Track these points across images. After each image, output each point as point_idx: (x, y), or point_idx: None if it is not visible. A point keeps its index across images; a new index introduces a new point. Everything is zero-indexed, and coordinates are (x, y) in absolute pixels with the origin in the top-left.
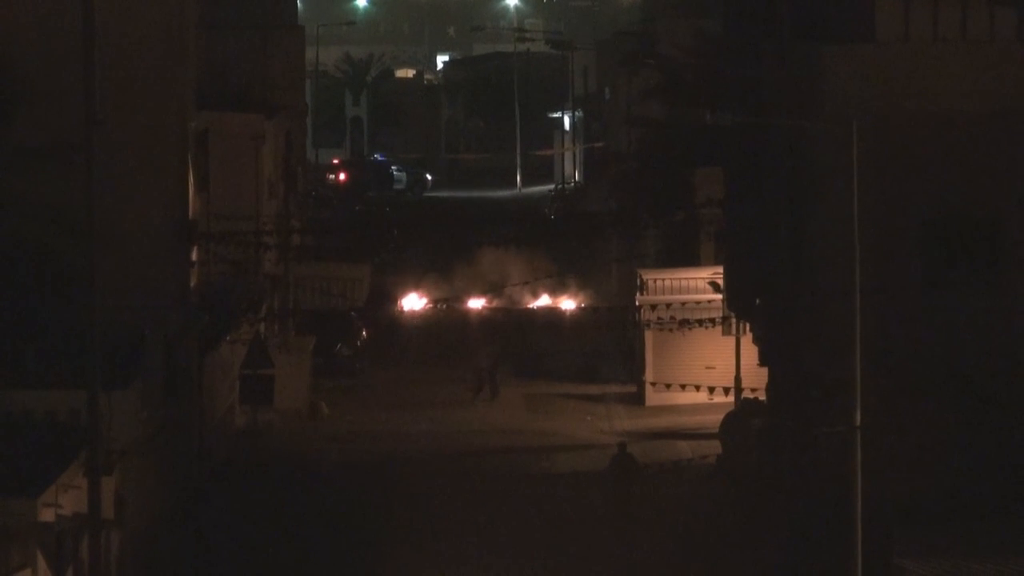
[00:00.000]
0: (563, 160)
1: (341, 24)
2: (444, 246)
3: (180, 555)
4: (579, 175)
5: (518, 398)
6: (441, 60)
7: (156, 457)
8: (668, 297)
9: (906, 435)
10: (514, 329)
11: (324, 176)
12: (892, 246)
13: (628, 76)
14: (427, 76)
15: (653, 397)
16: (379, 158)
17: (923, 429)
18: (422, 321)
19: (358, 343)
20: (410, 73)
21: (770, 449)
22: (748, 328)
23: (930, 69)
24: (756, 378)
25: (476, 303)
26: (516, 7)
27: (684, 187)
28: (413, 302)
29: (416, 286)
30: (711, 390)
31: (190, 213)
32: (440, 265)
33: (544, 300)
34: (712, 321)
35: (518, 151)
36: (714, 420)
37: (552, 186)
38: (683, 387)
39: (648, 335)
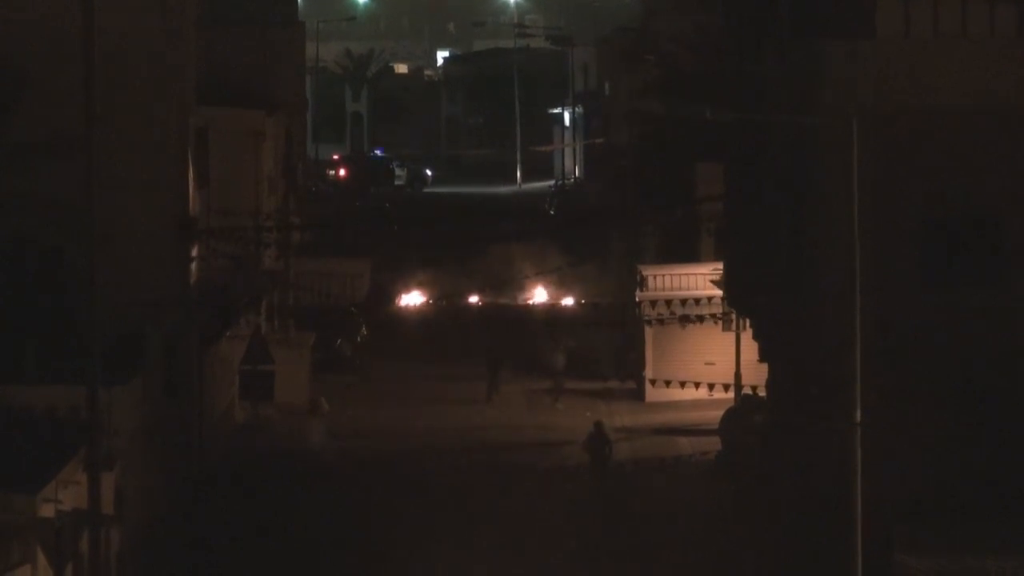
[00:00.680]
0: (563, 156)
1: (341, 20)
2: (450, 242)
3: (180, 551)
4: (579, 171)
5: (518, 394)
6: (441, 56)
7: (156, 453)
8: (668, 293)
9: (906, 432)
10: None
11: (324, 172)
12: (892, 243)
13: (628, 72)
14: (427, 72)
15: (653, 393)
16: (379, 154)
17: (923, 426)
18: (423, 317)
19: (358, 339)
20: (404, 68)
21: (770, 445)
22: (748, 324)
23: (930, 65)
24: (756, 374)
25: (474, 299)
26: (516, 3)
27: (684, 183)
28: (414, 298)
29: (419, 282)
30: (711, 386)
31: (190, 209)
32: (443, 261)
33: (542, 296)
34: (713, 316)
35: (518, 147)
36: (714, 416)
37: (552, 182)
38: (683, 383)
39: (648, 331)
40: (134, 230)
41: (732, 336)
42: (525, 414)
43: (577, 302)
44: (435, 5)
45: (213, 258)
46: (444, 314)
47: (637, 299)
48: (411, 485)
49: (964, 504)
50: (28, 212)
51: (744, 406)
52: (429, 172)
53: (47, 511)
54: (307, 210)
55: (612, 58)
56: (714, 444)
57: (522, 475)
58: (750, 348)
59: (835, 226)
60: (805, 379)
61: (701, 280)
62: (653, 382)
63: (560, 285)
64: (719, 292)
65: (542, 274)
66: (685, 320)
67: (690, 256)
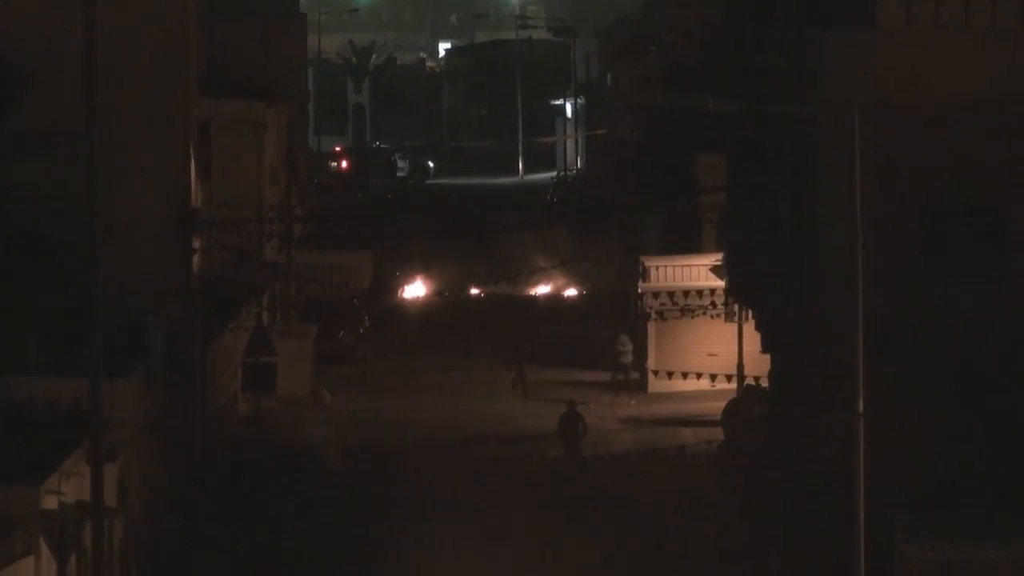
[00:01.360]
0: (565, 147)
1: (343, 11)
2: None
3: (182, 542)
4: (581, 162)
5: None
6: (443, 47)
7: (159, 444)
8: (670, 284)
9: (908, 422)
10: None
11: (326, 164)
12: (894, 233)
13: (629, 63)
14: (429, 63)
15: (656, 384)
16: (381, 145)
17: (925, 416)
18: (427, 309)
19: (360, 330)
20: (407, 59)
21: (772, 436)
22: (750, 315)
23: (932, 56)
24: (758, 365)
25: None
26: None
27: (686, 174)
28: (416, 289)
29: (424, 273)
30: (713, 377)
31: (192, 201)
32: (450, 252)
33: (543, 288)
34: (714, 304)
35: (520, 138)
36: (717, 407)
37: (554, 173)
38: (685, 374)
39: (651, 323)
40: (136, 222)
41: (734, 327)
42: (528, 404)
43: (580, 294)
44: None
45: (215, 250)
46: (450, 306)
47: (639, 290)
48: (411, 475)
49: (967, 493)
50: (30, 204)
51: (746, 397)
52: (431, 164)
53: (50, 503)
54: (309, 202)
55: (614, 49)
56: (717, 435)
57: (523, 465)
58: (752, 339)
59: (836, 217)
60: (807, 370)
61: (703, 271)
62: (655, 373)
63: (573, 276)
64: (721, 283)
65: (560, 264)
66: (687, 311)
67: (692, 248)
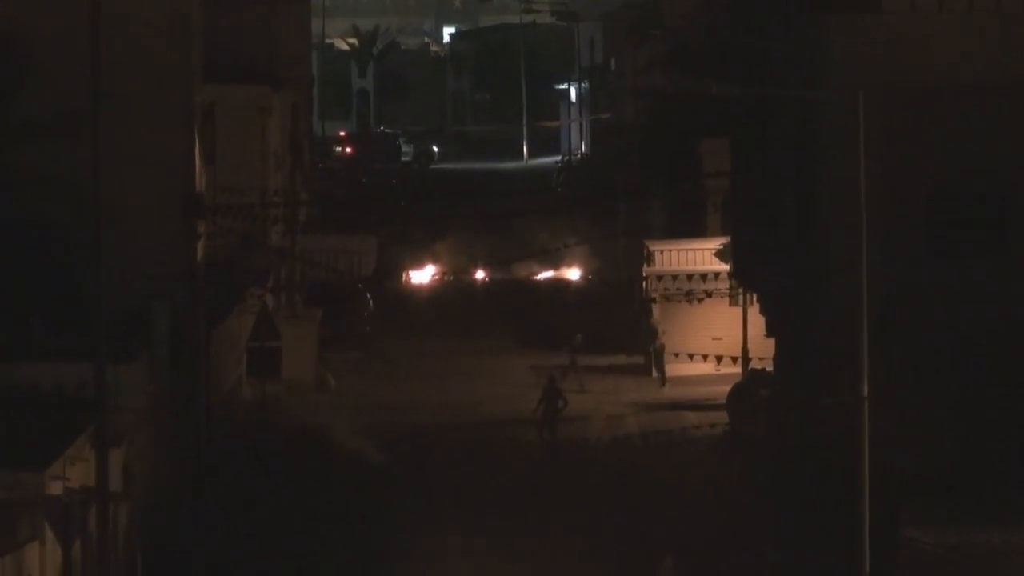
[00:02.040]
0: (569, 132)
1: None
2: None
3: (187, 527)
4: (585, 147)
5: (524, 370)
6: (447, 32)
7: (163, 429)
8: (675, 268)
9: (912, 405)
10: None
11: (330, 149)
12: (899, 217)
13: (634, 47)
14: (433, 48)
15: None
16: (385, 130)
17: (929, 399)
18: (431, 293)
19: (365, 315)
20: (411, 44)
21: (777, 420)
22: (755, 299)
23: (936, 38)
24: (763, 349)
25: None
26: None
27: (690, 158)
28: (425, 274)
29: (432, 258)
30: (718, 361)
31: (197, 186)
32: (452, 236)
33: (547, 272)
34: (718, 289)
35: (524, 123)
36: (722, 391)
37: (558, 158)
38: (691, 358)
39: (656, 307)
40: (141, 207)
41: (739, 311)
42: (532, 389)
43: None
44: None
45: (220, 234)
46: (458, 291)
47: (644, 274)
48: (417, 459)
49: (971, 477)
50: (35, 189)
51: (751, 381)
52: (435, 148)
53: (55, 488)
54: (313, 187)
55: (618, 33)
56: (722, 419)
57: (528, 448)
58: (757, 323)
59: (841, 200)
60: (812, 353)
61: (708, 255)
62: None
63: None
64: (726, 267)
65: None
66: (692, 295)
67: (697, 231)
